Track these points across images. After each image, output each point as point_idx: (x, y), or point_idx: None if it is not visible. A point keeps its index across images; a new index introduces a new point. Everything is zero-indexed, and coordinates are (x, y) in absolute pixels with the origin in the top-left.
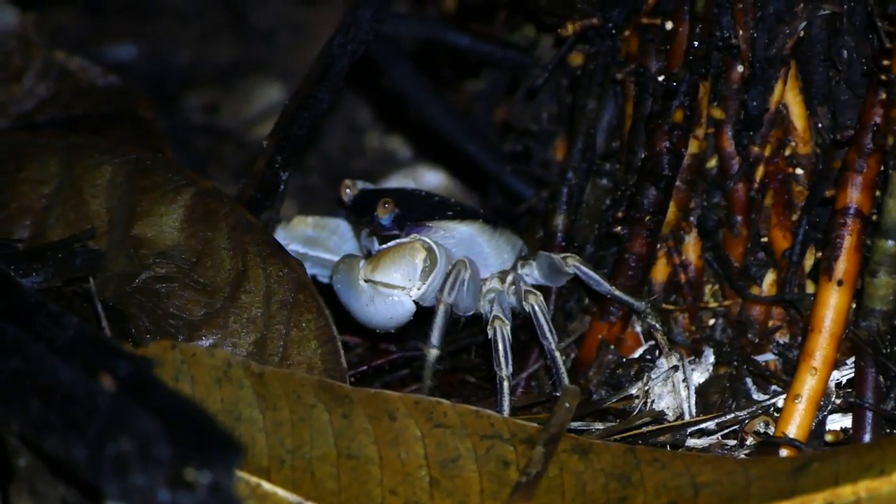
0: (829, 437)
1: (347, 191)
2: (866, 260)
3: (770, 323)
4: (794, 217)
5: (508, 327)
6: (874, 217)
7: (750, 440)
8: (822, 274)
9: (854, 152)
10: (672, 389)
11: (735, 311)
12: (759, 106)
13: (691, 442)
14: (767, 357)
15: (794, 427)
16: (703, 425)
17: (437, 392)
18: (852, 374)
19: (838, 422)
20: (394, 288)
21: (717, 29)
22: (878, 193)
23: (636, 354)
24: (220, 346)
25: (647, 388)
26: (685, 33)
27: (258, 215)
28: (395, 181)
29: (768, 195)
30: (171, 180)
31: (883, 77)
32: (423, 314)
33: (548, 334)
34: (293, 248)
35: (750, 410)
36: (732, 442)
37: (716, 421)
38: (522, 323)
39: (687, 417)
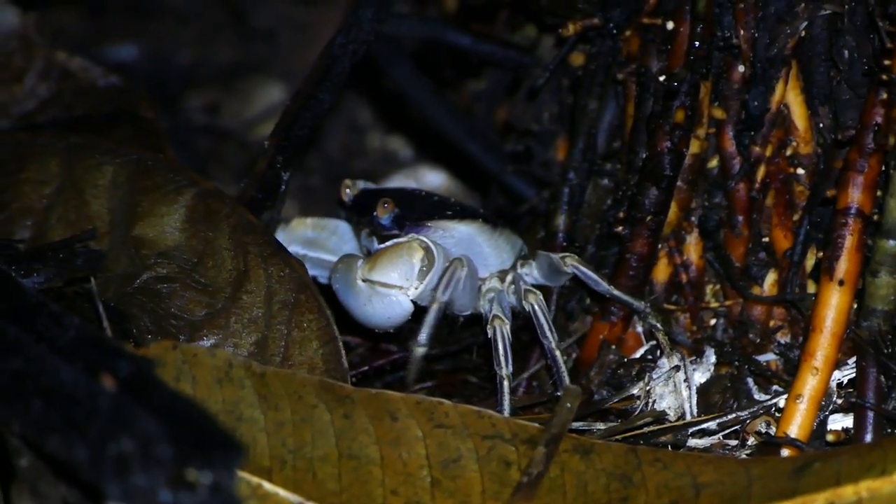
0: (830, 437)
1: (347, 191)
2: (867, 260)
3: (771, 323)
4: (796, 217)
5: (508, 326)
6: (875, 217)
7: (751, 440)
8: (823, 274)
9: (855, 152)
10: (673, 389)
11: (736, 311)
12: (761, 106)
13: (693, 442)
14: (769, 357)
15: (796, 427)
16: (704, 425)
17: (439, 392)
18: (854, 374)
19: (840, 422)
20: (391, 287)
21: (719, 29)
22: (879, 193)
23: (637, 354)
24: (221, 347)
25: (648, 388)
26: (686, 33)
27: (259, 216)
28: (397, 181)
29: (769, 195)
30: (172, 181)
31: (884, 77)
32: (423, 314)
33: (548, 333)
34: (293, 249)
35: (751, 410)
36: (734, 442)
37: (717, 421)
38: (524, 323)
39: (688, 417)
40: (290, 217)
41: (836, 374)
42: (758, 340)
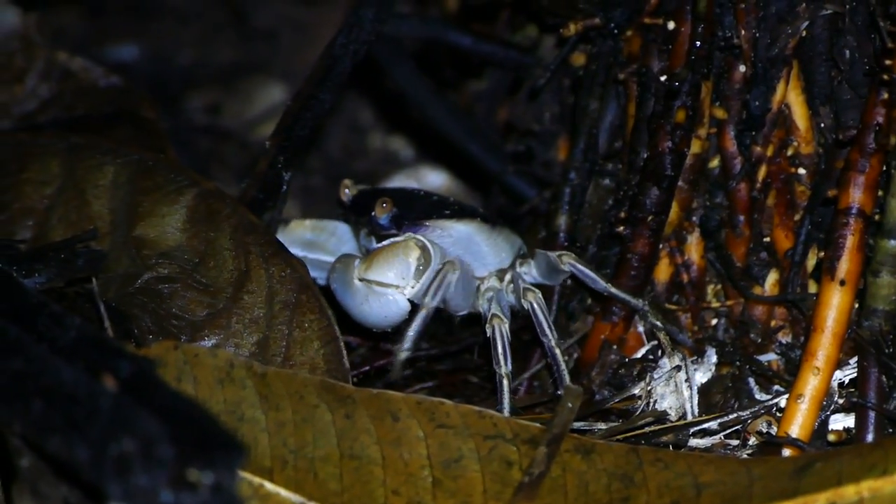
0: (831, 437)
1: (346, 190)
2: (869, 260)
3: (772, 323)
4: (797, 217)
5: (507, 325)
6: (877, 217)
7: (752, 440)
8: (824, 274)
9: (856, 152)
10: (675, 389)
11: (738, 311)
12: (762, 106)
13: (694, 442)
14: (770, 357)
15: (797, 427)
16: (705, 425)
17: (440, 392)
18: (855, 374)
19: (841, 421)
20: (388, 287)
21: (720, 29)
22: (880, 193)
23: (639, 354)
24: (222, 347)
25: (649, 388)
26: (687, 33)
27: (260, 216)
28: (398, 182)
29: (771, 195)
30: (173, 181)
31: (885, 77)
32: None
33: (547, 331)
34: (292, 250)
35: (752, 410)
36: (735, 442)
37: (718, 421)
38: (525, 324)
39: (689, 417)
40: (291, 217)
41: (838, 374)
42: (759, 340)
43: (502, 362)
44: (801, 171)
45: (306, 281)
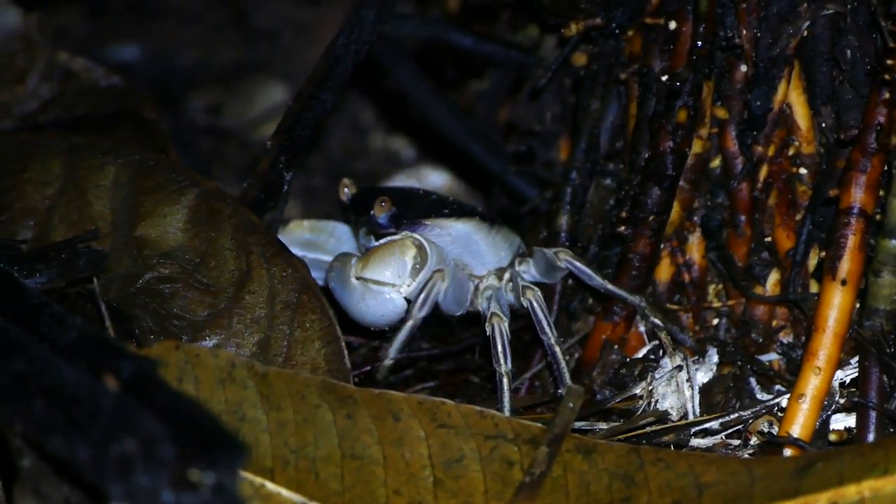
0: (832, 437)
1: (346, 190)
2: (870, 259)
3: (774, 322)
4: (798, 217)
5: (506, 324)
6: (878, 217)
7: (754, 440)
8: (825, 273)
9: (858, 152)
10: (676, 389)
11: (739, 311)
12: (763, 106)
13: (695, 442)
14: (771, 357)
15: (798, 427)
16: (706, 425)
17: (441, 392)
18: (856, 374)
19: (842, 421)
20: (384, 285)
21: (721, 29)
22: (881, 193)
23: (640, 354)
24: (223, 347)
25: (650, 387)
26: (688, 33)
27: (262, 216)
28: (399, 182)
29: (772, 195)
30: (174, 181)
31: (886, 77)
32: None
33: (547, 329)
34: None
35: (754, 410)
36: (736, 442)
37: (719, 421)
38: (526, 324)
39: (691, 417)
40: (291, 218)
41: (839, 374)
42: (760, 340)
43: (502, 361)
44: (803, 170)
45: (308, 281)
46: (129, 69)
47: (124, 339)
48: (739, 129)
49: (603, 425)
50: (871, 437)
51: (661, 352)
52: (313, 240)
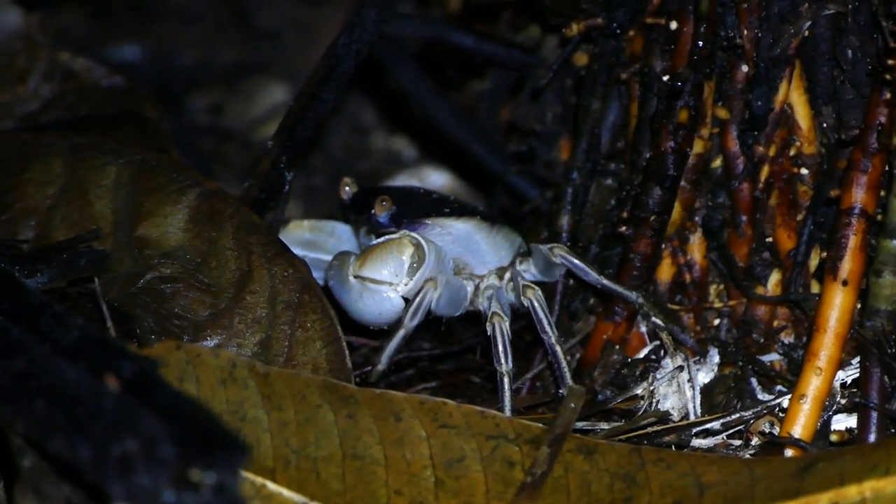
0: (834, 437)
1: (347, 189)
2: (871, 260)
3: (775, 323)
4: (799, 217)
5: (507, 323)
6: (879, 217)
7: (755, 440)
8: (826, 274)
9: (859, 152)
10: (677, 389)
11: (740, 311)
12: (764, 106)
13: (696, 442)
14: (772, 357)
15: (799, 427)
16: (708, 425)
17: (442, 392)
18: (857, 374)
19: (843, 422)
20: (381, 284)
21: (722, 29)
22: (882, 193)
23: (641, 354)
24: (224, 347)
25: (652, 388)
26: (690, 33)
27: (263, 216)
28: (401, 182)
29: (773, 195)
30: (175, 181)
31: (887, 76)
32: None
33: (547, 328)
34: None
35: (755, 410)
36: (737, 442)
37: (721, 421)
38: (527, 324)
39: (692, 417)
40: (291, 218)
41: (840, 374)
42: (761, 340)
43: (503, 360)
44: (804, 170)
45: (309, 281)
46: (130, 69)
47: (125, 339)
48: (740, 129)
49: (604, 425)
50: (872, 437)
51: (662, 352)
52: (314, 239)
